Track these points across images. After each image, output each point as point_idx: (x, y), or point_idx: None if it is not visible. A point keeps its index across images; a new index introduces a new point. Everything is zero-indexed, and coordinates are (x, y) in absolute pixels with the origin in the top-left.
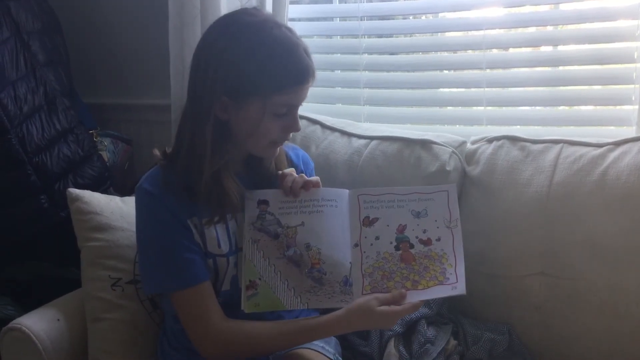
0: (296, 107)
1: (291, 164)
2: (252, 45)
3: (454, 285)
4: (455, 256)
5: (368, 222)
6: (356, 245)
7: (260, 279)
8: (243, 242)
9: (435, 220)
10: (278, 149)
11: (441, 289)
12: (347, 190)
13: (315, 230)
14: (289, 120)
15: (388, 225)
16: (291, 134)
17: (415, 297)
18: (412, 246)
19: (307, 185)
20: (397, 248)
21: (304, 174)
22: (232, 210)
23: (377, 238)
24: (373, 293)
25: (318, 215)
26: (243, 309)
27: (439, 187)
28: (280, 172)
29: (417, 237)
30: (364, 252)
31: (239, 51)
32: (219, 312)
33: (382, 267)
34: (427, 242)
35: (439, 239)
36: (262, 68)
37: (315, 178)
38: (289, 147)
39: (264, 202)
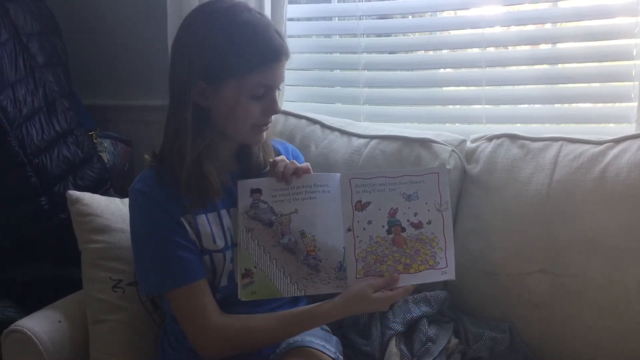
0: (273, 88)
1: None
2: (223, 28)
3: (444, 270)
4: (445, 240)
5: (360, 206)
6: (349, 230)
7: (255, 267)
8: (237, 231)
9: (426, 203)
10: (264, 134)
11: (431, 274)
12: (339, 174)
13: (308, 217)
14: (268, 102)
15: (380, 209)
16: (273, 117)
17: (406, 280)
18: (403, 229)
19: (297, 172)
20: (389, 232)
21: (295, 161)
22: (213, 195)
23: (369, 222)
24: (366, 277)
25: (311, 202)
26: (240, 298)
27: (430, 169)
28: (272, 159)
29: (408, 221)
30: (357, 236)
31: (211, 34)
32: (216, 308)
33: (374, 252)
34: (418, 225)
35: (429, 222)
36: (233, 49)
37: (305, 164)
38: (277, 142)
39: (257, 191)
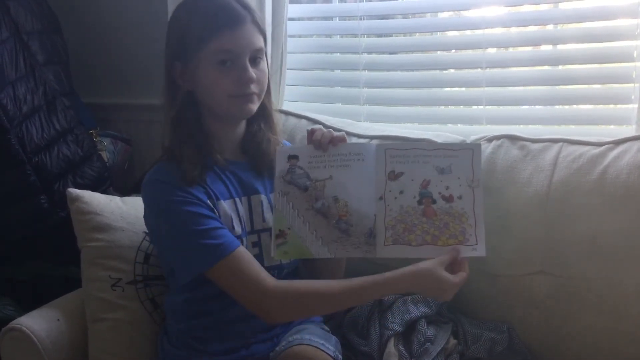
0: (239, 55)
1: None
2: (187, 6)
3: (474, 246)
4: (475, 217)
5: (393, 176)
6: (380, 198)
7: (289, 228)
8: (274, 194)
9: (459, 178)
10: (250, 105)
11: (461, 250)
12: (375, 144)
13: (342, 184)
14: (238, 70)
15: (412, 180)
16: (253, 87)
17: (434, 252)
18: (434, 202)
19: (334, 140)
20: (419, 203)
21: (332, 130)
22: (193, 178)
23: (401, 192)
24: (394, 245)
25: (345, 169)
26: (273, 257)
27: (465, 144)
28: (309, 128)
29: (439, 193)
30: (388, 205)
31: (175, 15)
32: (264, 271)
33: (404, 220)
34: (449, 199)
35: (460, 197)
36: (191, 22)
37: (341, 133)
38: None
39: (294, 157)
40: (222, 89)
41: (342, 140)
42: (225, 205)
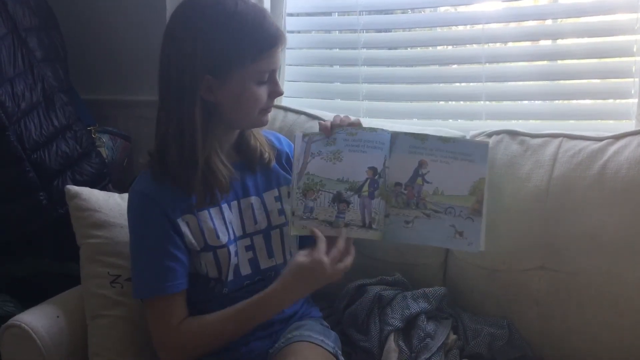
0: (275, 71)
1: (274, 148)
2: (222, 21)
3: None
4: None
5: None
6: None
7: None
8: (292, 176)
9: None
10: (269, 115)
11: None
12: (390, 132)
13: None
14: (272, 86)
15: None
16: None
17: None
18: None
19: (353, 124)
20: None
21: (349, 115)
22: (222, 192)
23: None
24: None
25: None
26: (290, 235)
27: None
28: (321, 122)
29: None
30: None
31: (211, 28)
32: (181, 319)
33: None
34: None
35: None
36: (236, 40)
37: (356, 119)
38: (269, 133)
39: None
40: (258, 104)
41: (356, 124)
42: (208, 213)
